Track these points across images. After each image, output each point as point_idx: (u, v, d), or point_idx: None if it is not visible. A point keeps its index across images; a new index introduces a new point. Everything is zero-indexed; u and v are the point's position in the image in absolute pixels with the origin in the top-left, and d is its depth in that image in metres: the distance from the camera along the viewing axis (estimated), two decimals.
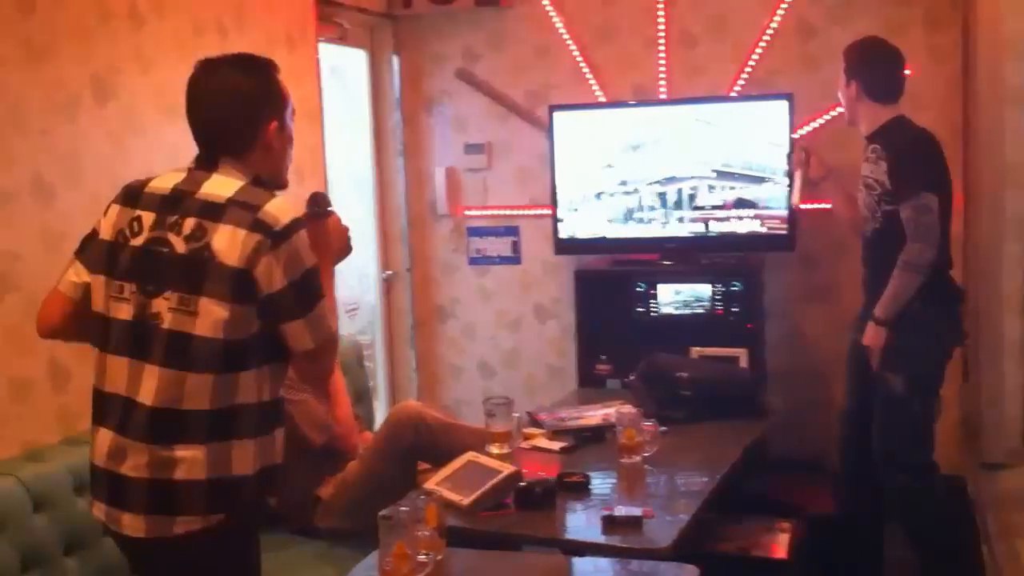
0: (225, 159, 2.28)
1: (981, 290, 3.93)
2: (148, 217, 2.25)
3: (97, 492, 2.28)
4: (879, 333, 3.66)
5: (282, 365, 2.29)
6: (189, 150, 2.35)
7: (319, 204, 2.45)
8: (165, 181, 2.30)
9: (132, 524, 2.20)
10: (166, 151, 3.38)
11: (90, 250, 2.33)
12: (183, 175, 2.29)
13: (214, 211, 2.20)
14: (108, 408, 2.24)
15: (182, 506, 2.17)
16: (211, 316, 2.15)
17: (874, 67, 3.84)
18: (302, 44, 4.51)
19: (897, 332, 3.64)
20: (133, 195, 2.32)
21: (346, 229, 2.49)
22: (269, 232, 2.16)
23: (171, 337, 2.17)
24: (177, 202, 2.24)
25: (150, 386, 2.17)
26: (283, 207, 2.22)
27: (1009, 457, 3.92)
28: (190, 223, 2.20)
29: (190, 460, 2.16)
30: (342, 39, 5.11)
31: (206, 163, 2.30)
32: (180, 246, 2.19)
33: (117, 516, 2.22)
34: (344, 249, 2.49)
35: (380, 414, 4.62)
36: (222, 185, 2.24)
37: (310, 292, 2.21)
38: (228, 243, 2.16)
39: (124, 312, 2.23)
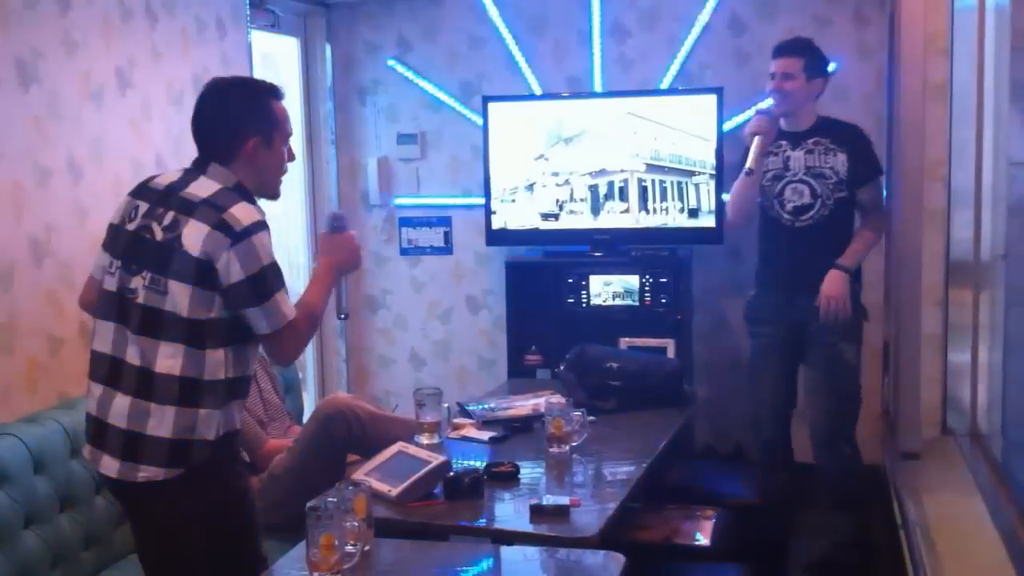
0: (213, 164, 2.61)
1: (901, 282, 4.01)
2: (143, 207, 2.60)
3: (87, 435, 2.63)
4: (845, 280, 3.91)
5: (245, 347, 2.60)
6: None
7: (337, 222, 2.82)
8: (164, 179, 2.65)
9: (108, 465, 2.55)
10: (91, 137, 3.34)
11: (107, 234, 2.68)
12: (180, 175, 2.63)
13: (188, 208, 2.53)
14: (99, 365, 2.59)
15: (147, 456, 2.51)
16: (177, 295, 2.48)
17: (826, 69, 4.10)
18: (234, 31, 4.46)
19: (853, 305, 3.95)
20: (140, 188, 2.67)
21: (358, 247, 2.85)
22: (230, 232, 2.47)
23: (144, 310, 2.52)
24: (166, 197, 2.58)
25: (133, 349, 2.52)
26: (246, 212, 2.52)
27: (927, 447, 4.01)
28: (169, 216, 2.54)
29: (160, 418, 2.49)
30: (274, 26, 5.07)
31: (198, 166, 2.64)
32: (159, 234, 2.53)
33: (99, 456, 2.58)
34: (352, 262, 2.85)
35: (309, 406, 4.60)
36: (203, 187, 2.57)
37: (265, 285, 2.51)
38: (194, 236, 2.48)
39: (111, 284, 2.60)
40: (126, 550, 3.19)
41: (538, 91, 5.16)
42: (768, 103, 4.18)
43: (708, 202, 4.73)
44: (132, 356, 2.53)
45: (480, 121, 5.05)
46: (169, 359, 2.49)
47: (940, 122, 3.96)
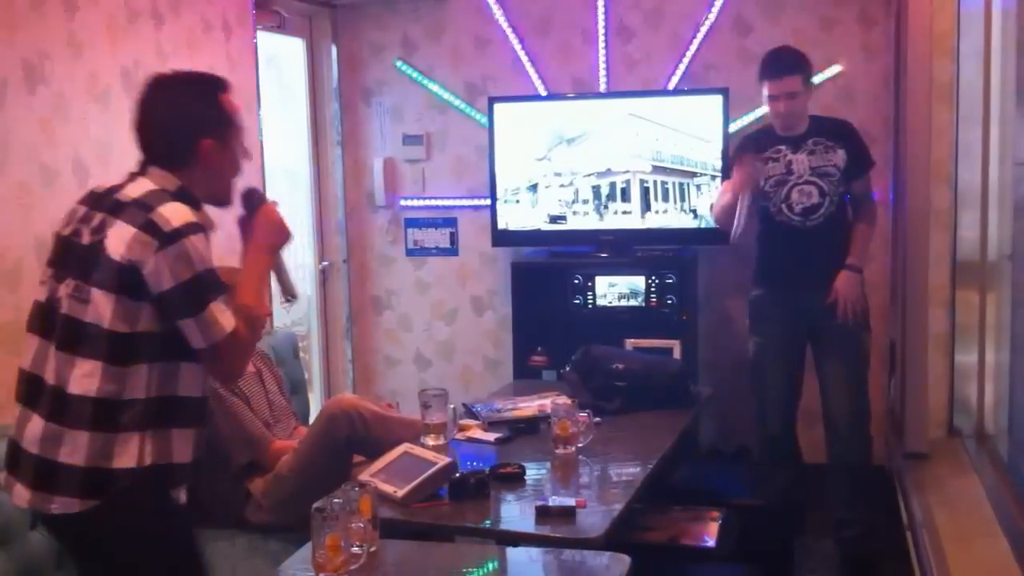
0: (154, 168, 2.37)
1: (907, 282, 4.01)
2: (80, 211, 2.38)
3: (5, 460, 2.41)
4: (859, 281, 4.03)
5: (176, 364, 2.33)
6: None
7: (251, 201, 2.51)
8: (109, 182, 2.41)
9: (20, 494, 2.33)
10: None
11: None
12: (124, 179, 2.40)
13: (117, 209, 2.30)
14: (21, 383, 2.38)
15: (60, 487, 2.27)
16: (99, 305, 2.24)
17: (810, 65, 4.12)
18: (239, 32, 4.47)
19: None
20: (87, 193, 2.45)
21: (278, 217, 2.52)
22: (158, 234, 2.23)
23: (66, 321, 2.28)
24: (101, 200, 2.35)
25: (51, 366, 2.29)
26: (177, 211, 2.27)
27: (933, 447, 4.01)
28: (98, 218, 2.31)
29: (72, 444, 2.25)
30: (280, 27, 5.08)
31: (139, 169, 2.40)
32: (86, 237, 2.31)
33: (12, 484, 2.35)
34: (280, 236, 2.52)
35: (315, 406, 4.60)
36: (137, 188, 2.34)
37: (199, 294, 2.26)
38: (118, 239, 2.24)
39: (41, 294, 2.38)
40: None
41: (543, 92, 5.16)
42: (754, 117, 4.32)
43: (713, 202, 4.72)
44: (49, 374, 2.29)
45: (485, 122, 5.05)
46: (85, 378, 2.24)
47: (946, 122, 3.96)
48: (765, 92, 4.03)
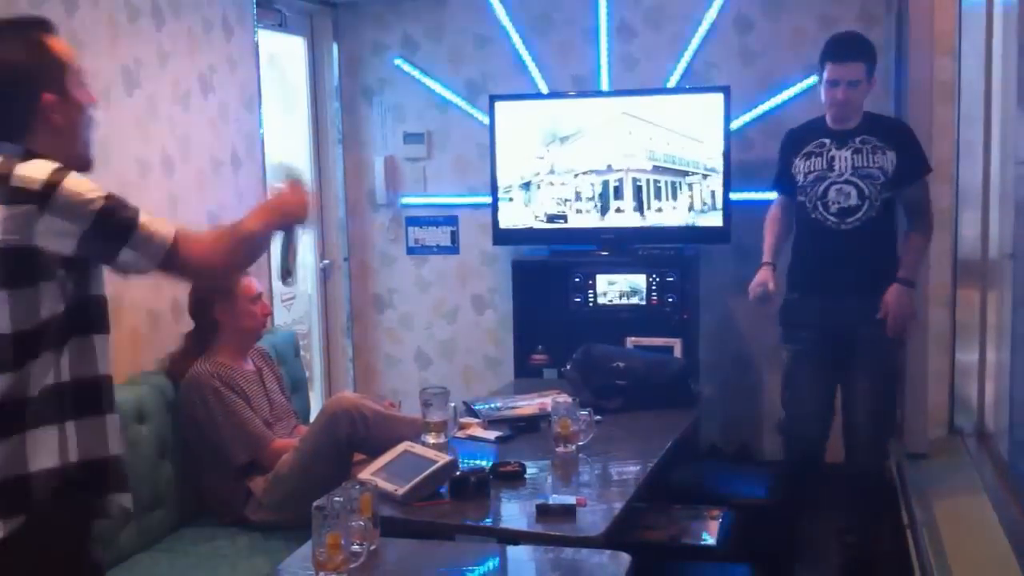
0: (3, 143, 2.04)
1: None
2: None
3: None
4: (911, 295, 3.76)
5: (89, 339, 2.06)
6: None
7: (291, 173, 2.46)
8: None
9: None
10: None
11: None
12: None
13: None
14: None
15: None
16: None
17: (877, 57, 3.87)
18: (241, 30, 4.46)
19: None
20: None
21: (305, 195, 2.39)
22: (31, 197, 1.93)
23: None
24: None
25: None
26: (35, 165, 1.96)
27: (934, 446, 4.01)
28: None
29: None
30: (281, 26, 5.08)
31: None
32: None
33: None
34: (298, 209, 2.36)
35: (316, 405, 4.60)
36: None
37: (115, 226, 2.00)
38: None
39: None
40: None
41: (545, 90, 5.15)
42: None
43: (713, 201, 4.72)
44: None
45: (486, 120, 5.05)
46: None
47: (947, 122, 3.96)
48: (825, 76, 3.76)
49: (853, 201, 3.74)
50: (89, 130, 2.15)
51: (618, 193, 4.83)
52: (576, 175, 4.88)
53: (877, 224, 3.76)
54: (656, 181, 4.78)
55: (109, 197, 2.00)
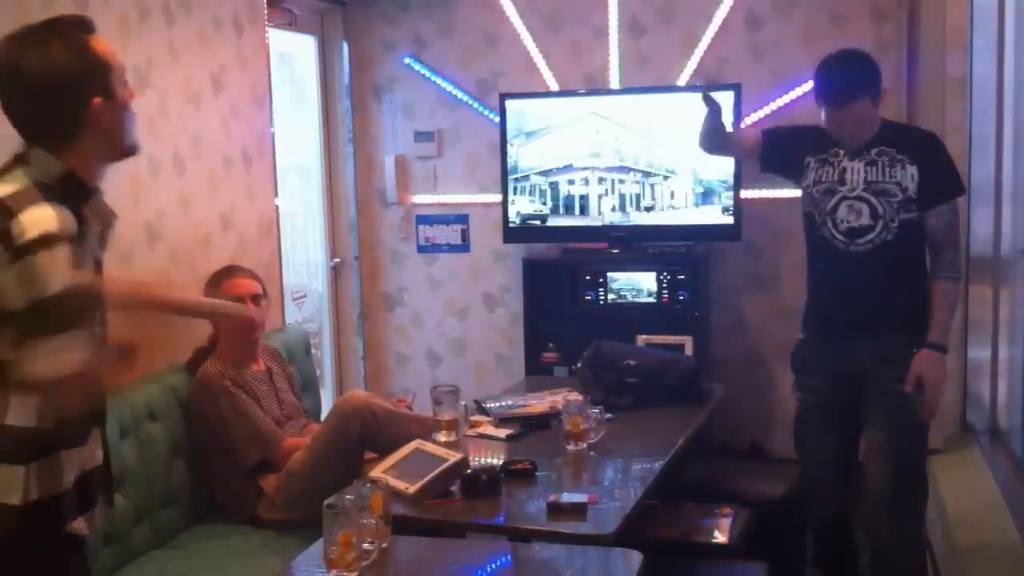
0: (37, 150, 2.02)
1: None
2: None
3: None
4: (944, 362, 3.23)
5: None
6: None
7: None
8: None
9: None
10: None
11: None
12: (6, 163, 2.05)
13: None
14: None
15: None
16: None
17: (878, 75, 3.28)
18: (251, 29, 4.47)
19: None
20: None
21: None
22: (11, 244, 1.88)
23: None
24: None
25: None
26: (40, 218, 1.91)
27: (946, 443, 4.00)
28: None
29: None
30: (291, 25, 5.08)
31: (19, 157, 2.04)
32: None
33: None
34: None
35: (327, 403, 4.61)
36: (9, 184, 1.97)
37: (54, 319, 1.90)
38: None
39: None
40: None
41: (555, 88, 5.15)
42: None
43: (722, 198, 4.71)
44: None
45: (497, 118, 5.05)
46: None
47: (960, 117, 3.95)
48: (822, 115, 3.28)
49: (865, 220, 3.26)
50: (134, 124, 2.15)
51: (641, 190, 4.81)
52: (597, 172, 4.86)
53: (894, 251, 3.26)
54: (679, 176, 4.77)
55: (57, 298, 1.89)
